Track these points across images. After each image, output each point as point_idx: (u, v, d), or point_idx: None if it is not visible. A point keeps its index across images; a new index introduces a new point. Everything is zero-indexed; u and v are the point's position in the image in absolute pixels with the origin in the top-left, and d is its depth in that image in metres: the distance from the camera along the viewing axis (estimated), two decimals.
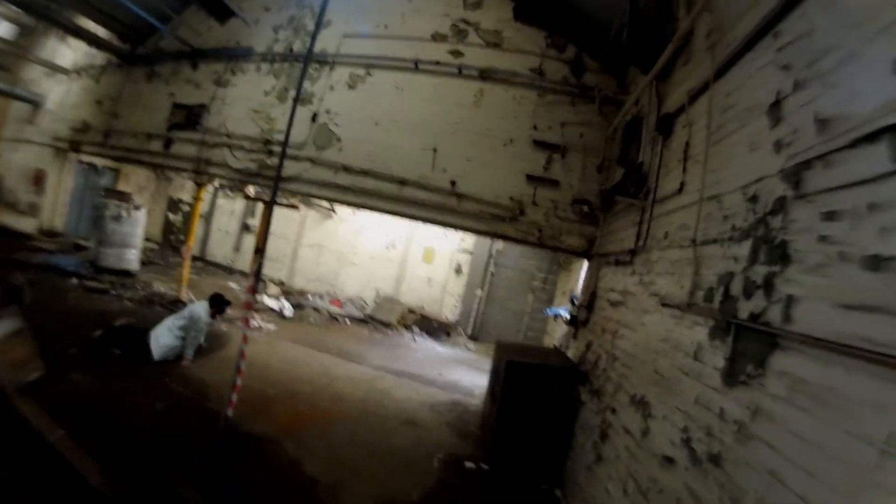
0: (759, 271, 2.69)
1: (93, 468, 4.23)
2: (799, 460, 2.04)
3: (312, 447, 5.82)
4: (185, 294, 11.21)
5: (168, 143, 11.76)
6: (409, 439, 6.66)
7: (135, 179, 17.39)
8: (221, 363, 7.62)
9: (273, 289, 15.51)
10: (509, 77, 8.76)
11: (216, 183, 13.55)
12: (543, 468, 6.07)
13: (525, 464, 6.12)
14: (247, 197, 11.13)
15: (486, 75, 8.88)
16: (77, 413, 5.12)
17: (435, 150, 8.96)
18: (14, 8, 12.95)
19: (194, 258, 15.69)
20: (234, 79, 11.28)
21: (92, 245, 12.50)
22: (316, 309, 14.54)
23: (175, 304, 10.58)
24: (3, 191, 15.55)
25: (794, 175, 2.52)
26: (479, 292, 15.61)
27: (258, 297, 13.10)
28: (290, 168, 9.52)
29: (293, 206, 11.47)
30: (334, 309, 15.09)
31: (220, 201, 18.91)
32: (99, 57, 13.78)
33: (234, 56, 11.38)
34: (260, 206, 14.75)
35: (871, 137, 2.03)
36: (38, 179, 14.36)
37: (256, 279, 6.23)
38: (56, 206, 14.70)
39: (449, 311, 16.04)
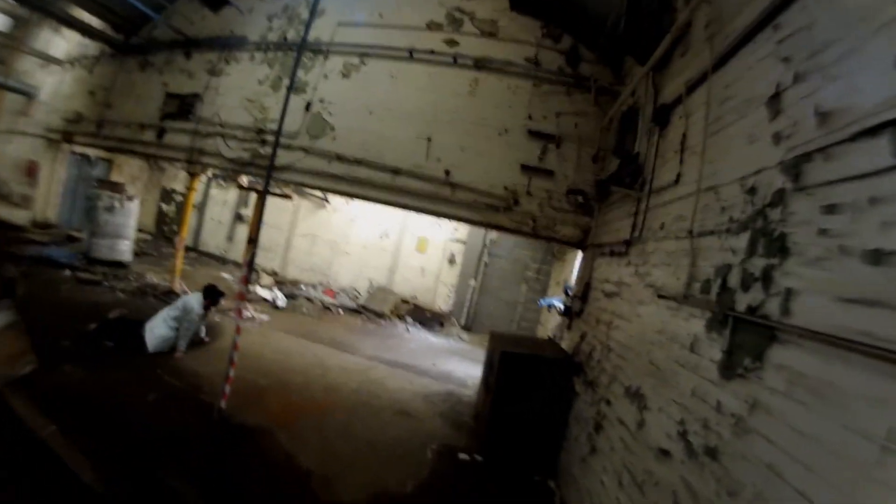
0: (758, 264, 2.68)
1: (84, 465, 4.19)
2: (797, 455, 2.03)
3: (306, 438, 5.80)
4: (178, 285, 11.13)
5: (161, 132, 11.66)
6: (403, 430, 6.65)
7: (128, 170, 17.21)
8: (215, 354, 7.58)
9: (266, 279, 15.44)
10: (504, 67, 8.70)
11: (209, 173, 13.48)
12: (537, 459, 6.09)
13: (519, 455, 6.14)
14: (240, 187, 11.06)
15: (481, 65, 8.82)
16: (70, 407, 5.07)
17: (429, 140, 8.91)
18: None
19: (187, 248, 15.59)
20: (228, 68, 11.17)
21: (85, 236, 12.38)
22: (309, 299, 14.50)
23: (168, 295, 10.51)
24: None
25: (794, 167, 2.50)
26: (472, 282, 15.61)
27: (251, 287, 13.05)
28: (283, 157, 9.46)
29: (286, 196, 11.41)
30: (327, 299, 15.06)
31: (214, 191, 18.78)
32: (92, 47, 13.64)
33: (228, 45, 11.26)
34: (253, 196, 14.66)
35: (873, 131, 2.01)
36: (31, 171, 14.21)
37: (249, 269, 6.19)
38: (49, 198, 14.57)
39: (442, 301, 16.04)
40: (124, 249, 12.39)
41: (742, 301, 2.75)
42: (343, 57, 9.82)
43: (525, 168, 8.40)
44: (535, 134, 8.41)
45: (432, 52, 9.07)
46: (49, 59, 14.31)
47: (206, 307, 7.77)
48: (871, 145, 2.01)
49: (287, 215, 17.26)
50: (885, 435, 1.67)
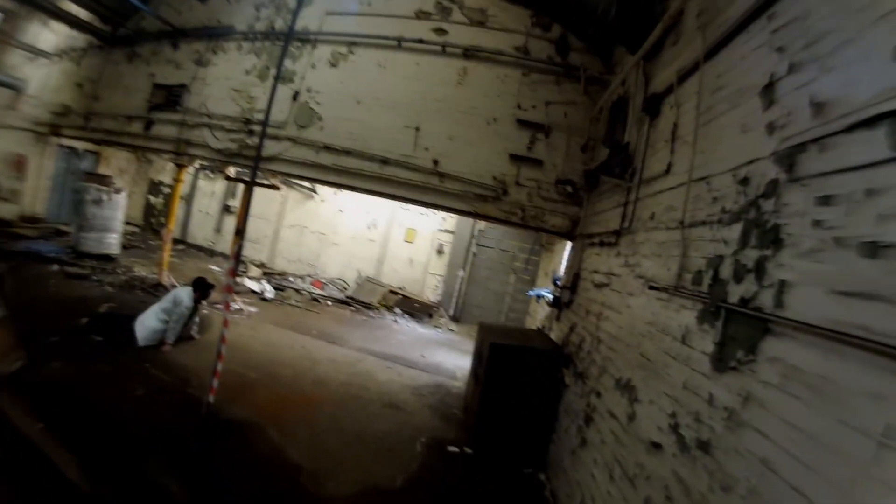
0: (750, 255, 2.65)
1: (71, 463, 4.13)
2: (793, 450, 2.01)
3: (295, 433, 5.75)
4: (165, 278, 10.99)
5: (148, 124, 11.46)
6: (392, 423, 6.62)
7: (115, 163, 16.96)
8: (203, 347, 7.49)
9: (254, 271, 15.32)
10: (493, 56, 8.60)
11: (197, 164, 13.32)
12: (527, 452, 6.08)
13: (508, 447, 6.13)
14: (227, 178, 10.93)
15: (470, 54, 8.72)
16: (57, 403, 5.02)
17: (417, 129, 8.82)
18: None
19: (175, 241, 15.44)
20: (215, 58, 10.97)
21: (72, 230, 12.24)
22: (297, 291, 14.41)
23: (156, 289, 10.39)
24: None
25: (788, 158, 2.47)
26: (460, 273, 15.58)
27: (239, 279, 12.94)
28: (270, 148, 9.34)
29: (274, 187, 11.28)
30: (316, 290, 14.98)
31: (201, 183, 18.55)
32: (80, 39, 13.42)
33: (215, 35, 11.05)
34: (241, 187, 14.52)
35: (870, 123, 1.98)
36: (18, 165, 13.99)
37: (237, 261, 6.10)
38: (37, 192, 14.39)
39: (431, 291, 16.01)
40: (112, 243, 12.27)
41: (735, 293, 2.73)
42: (331, 46, 9.67)
43: (514, 157, 8.34)
44: (524, 123, 8.35)
45: (421, 40, 8.95)
46: (37, 53, 14.07)
47: (197, 300, 7.69)
48: (868, 137, 1.98)
49: (275, 206, 17.12)
50: (883, 431, 1.65)
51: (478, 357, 7.08)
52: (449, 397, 8.08)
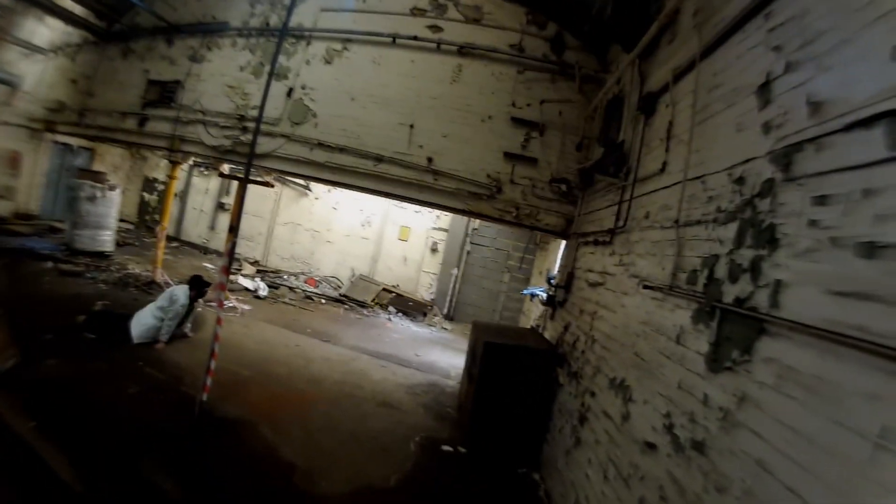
0: (746, 255, 2.64)
1: (63, 462, 4.09)
2: (788, 451, 2.00)
3: (289, 431, 5.72)
4: (159, 275, 10.92)
5: (143, 120, 11.40)
6: (386, 422, 6.60)
7: (110, 159, 16.85)
8: (197, 345, 7.44)
9: (248, 268, 15.26)
10: (488, 53, 8.58)
11: (191, 161, 13.27)
12: (521, 451, 6.08)
13: (503, 447, 6.12)
14: (221, 175, 10.87)
15: (464, 51, 8.70)
16: (51, 401, 4.98)
17: (412, 127, 8.80)
18: None
19: (169, 238, 15.34)
20: (210, 54, 10.91)
21: (67, 227, 12.17)
22: (291, 288, 14.36)
23: (150, 286, 10.33)
24: None
25: (784, 157, 2.46)
26: (454, 271, 15.56)
27: (233, 276, 12.89)
28: (264, 144, 9.32)
29: (268, 184, 11.23)
30: (310, 288, 14.93)
31: (196, 179, 18.44)
32: (75, 35, 13.35)
33: (210, 31, 10.99)
34: (235, 185, 14.46)
35: (867, 122, 1.97)
36: (13, 161, 13.90)
37: (230, 259, 6.06)
38: (31, 189, 14.31)
39: (425, 290, 15.99)
40: (106, 240, 12.21)
41: (730, 292, 2.72)
42: (326, 42, 9.63)
43: (508, 156, 8.33)
44: (518, 121, 8.34)
45: (416, 37, 8.92)
46: (32, 49, 13.99)
47: (193, 298, 7.66)
48: (865, 136, 1.97)
49: (269, 204, 17.06)
50: (879, 432, 1.64)
51: (472, 356, 7.06)
52: (443, 396, 8.06)
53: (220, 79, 10.51)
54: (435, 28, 8.95)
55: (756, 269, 2.52)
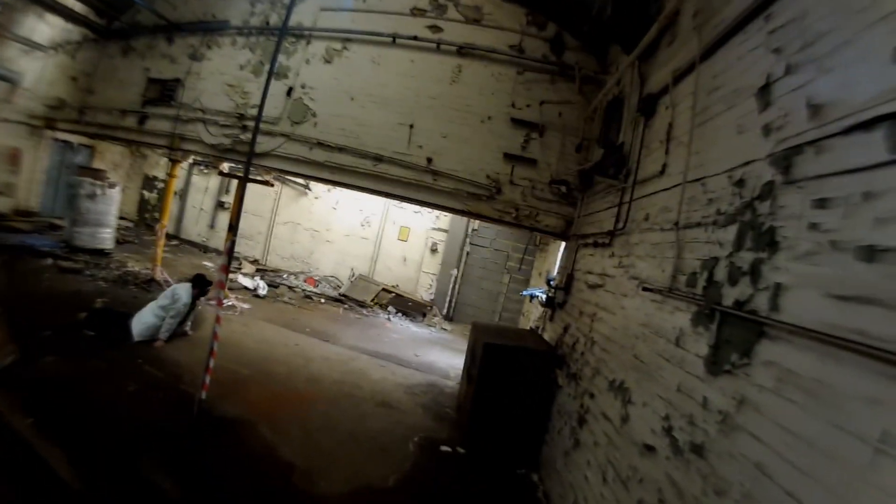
0: (746, 257, 2.64)
1: (61, 460, 4.09)
2: (787, 454, 1.99)
3: (288, 431, 5.72)
4: (159, 274, 10.92)
5: (142, 118, 11.39)
6: (385, 422, 6.59)
7: (110, 157, 16.87)
8: (196, 344, 7.44)
9: (248, 267, 15.26)
10: (488, 53, 8.57)
11: (190, 159, 13.27)
12: (520, 452, 6.07)
13: (501, 448, 6.11)
14: (221, 173, 10.87)
15: (464, 51, 8.69)
16: (50, 399, 4.98)
17: (411, 127, 8.79)
18: None
19: (169, 236, 15.33)
20: (210, 53, 10.90)
21: (66, 224, 12.17)
22: (291, 288, 14.36)
23: (149, 284, 10.34)
24: None
25: (784, 160, 2.45)
26: (454, 272, 15.55)
27: (232, 275, 12.88)
28: (264, 144, 9.32)
29: (268, 183, 11.23)
30: (309, 288, 14.93)
31: (195, 178, 18.45)
32: (75, 32, 13.36)
33: (210, 29, 10.98)
34: (235, 183, 14.46)
35: (867, 125, 1.96)
36: (13, 158, 13.90)
37: (230, 258, 6.05)
38: (31, 186, 14.33)
39: (424, 290, 15.99)
40: (106, 237, 12.21)
41: (729, 295, 2.71)
42: (325, 42, 9.62)
43: (508, 156, 8.32)
44: (518, 122, 8.33)
45: (416, 37, 8.91)
46: (33, 46, 14.00)
47: (196, 296, 7.67)
48: (866, 139, 1.96)
49: (269, 203, 17.06)
50: (879, 437, 1.63)
51: (471, 356, 7.06)
52: (442, 396, 8.06)
53: (220, 77, 10.50)
54: (435, 28, 8.94)
55: (756, 271, 2.51)
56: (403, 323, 13.90)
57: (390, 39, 9.06)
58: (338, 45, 9.52)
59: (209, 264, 14.71)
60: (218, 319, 5.75)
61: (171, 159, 11.11)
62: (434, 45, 8.84)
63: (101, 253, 11.92)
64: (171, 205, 12.05)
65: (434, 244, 15.89)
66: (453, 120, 8.66)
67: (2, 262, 8.96)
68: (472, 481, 5.56)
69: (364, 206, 16.26)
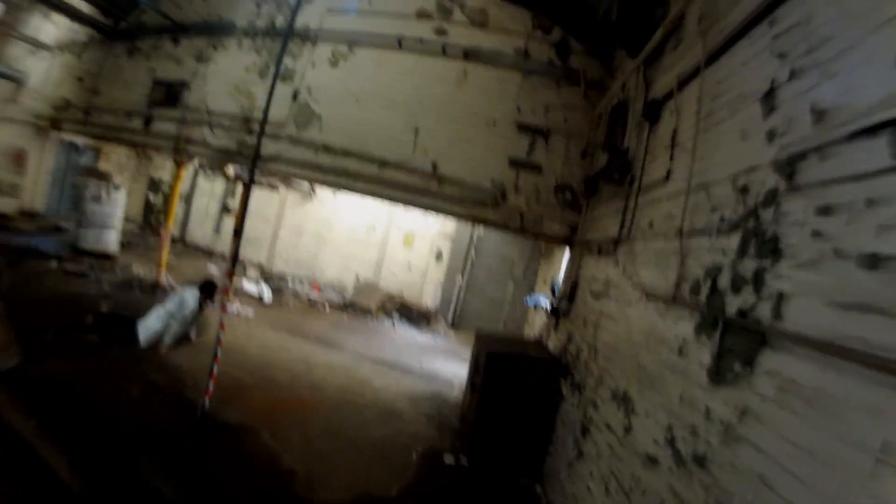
0: (749, 265, 2.60)
1: (63, 462, 4.09)
2: (789, 465, 1.96)
3: (290, 437, 5.70)
4: (163, 278, 10.94)
5: (148, 120, 11.42)
6: (388, 431, 6.56)
7: (115, 158, 16.89)
8: (199, 349, 7.43)
9: (252, 272, 15.26)
10: (494, 57, 8.57)
11: (196, 162, 13.30)
12: (523, 462, 6.02)
13: (505, 458, 6.06)
14: (226, 177, 10.89)
15: (470, 55, 8.69)
16: (53, 401, 5.00)
17: (416, 131, 8.78)
18: None
19: (174, 240, 15.37)
20: (215, 54, 10.94)
21: (71, 226, 12.19)
22: (295, 293, 14.35)
23: (154, 288, 10.35)
24: None
25: (788, 166, 2.42)
26: (459, 279, 15.50)
27: (237, 280, 12.89)
28: (269, 147, 9.29)
29: (273, 187, 11.25)
30: (314, 293, 14.92)
31: (201, 181, 18.40)
32: (81, 33, 13.41)
33: (216, 31, 11.03)
34: (240, 187, 14.50)
35: (871, 131, 1.93)
36: (19, 159, 13.97)
37: (234, 262, 6.05)
38: (37, 187, 14.36)
39: (429, 298, 15.92)
40: (111, 240, 12.19)
41: (732, 304, 2.67)
42: (331, 45, 9.63)
43: (513, 162, 8.30)
44: (523, 127, 8.31)
45: (421, 41, 8.92)
46: (39, 45, 14.10)
47: (203, 302, 7.69)
48: (870, 145, 1.93)
49: (274, 207, 17.02)
50: (881, 447, 1.60)
51: (474, 366, 7.02)
52: (445, 406, 8.00)
53: (226, 79, 10.53)
54: (440, 31, 8.95)
55: (759, 280, 2.48)
56: (408, 330, 13.86)
57: (396, 43, 9.08)
58: (343, 49, 9.52)
59: (214, 269, 14.72)
60: (222, 325, 5.76)
61: (176, 162, 11.13)
62: (440, 49, 8.85)
63: (106, 256, 11.91)
64: (177, 208, 12.02)
65: (439, 251, 15.83)
66: (459, 124, 8.65)
67: (6, 264, 9.00)
68: (475, 492, 5.51)
69: (369, 211, 16.22)
